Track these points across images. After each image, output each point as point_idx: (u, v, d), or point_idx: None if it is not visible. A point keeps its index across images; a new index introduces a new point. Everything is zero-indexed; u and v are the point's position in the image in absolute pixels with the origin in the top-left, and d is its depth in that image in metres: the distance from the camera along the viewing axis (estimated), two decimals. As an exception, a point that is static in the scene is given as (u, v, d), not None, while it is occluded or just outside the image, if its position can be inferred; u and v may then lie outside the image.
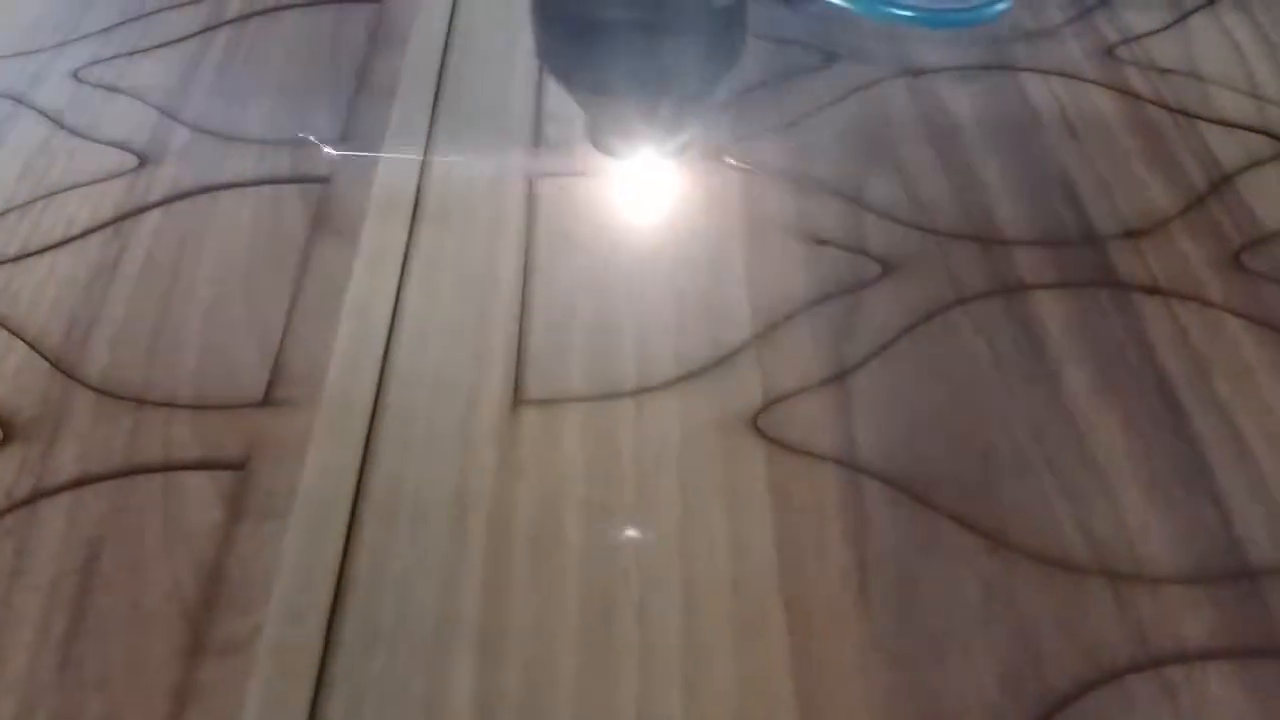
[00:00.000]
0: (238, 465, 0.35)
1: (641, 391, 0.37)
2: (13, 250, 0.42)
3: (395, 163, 0.44)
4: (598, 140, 0.43)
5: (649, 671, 0.30)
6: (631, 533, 0.33)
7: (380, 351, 0.38)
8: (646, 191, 0.43)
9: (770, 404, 0.36)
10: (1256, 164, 0.44)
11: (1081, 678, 0.30)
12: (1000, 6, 0.45)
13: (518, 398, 0.36)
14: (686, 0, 0.38)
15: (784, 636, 0.30)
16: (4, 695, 0.30)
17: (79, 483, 0.34)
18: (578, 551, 0.32)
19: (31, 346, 0.38)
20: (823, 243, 0.41)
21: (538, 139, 0.46)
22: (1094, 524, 0.33)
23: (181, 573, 0.32)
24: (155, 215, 0.43)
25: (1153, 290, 0.39)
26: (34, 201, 0.44)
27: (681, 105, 0.41)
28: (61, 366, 0.38)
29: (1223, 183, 0.43)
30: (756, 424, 0.35)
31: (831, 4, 0.45)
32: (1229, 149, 0.44)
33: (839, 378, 0.36)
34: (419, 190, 0.43)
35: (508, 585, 0.32)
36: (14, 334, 0.39)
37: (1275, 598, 0.31)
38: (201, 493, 0.34)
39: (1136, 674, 0.30)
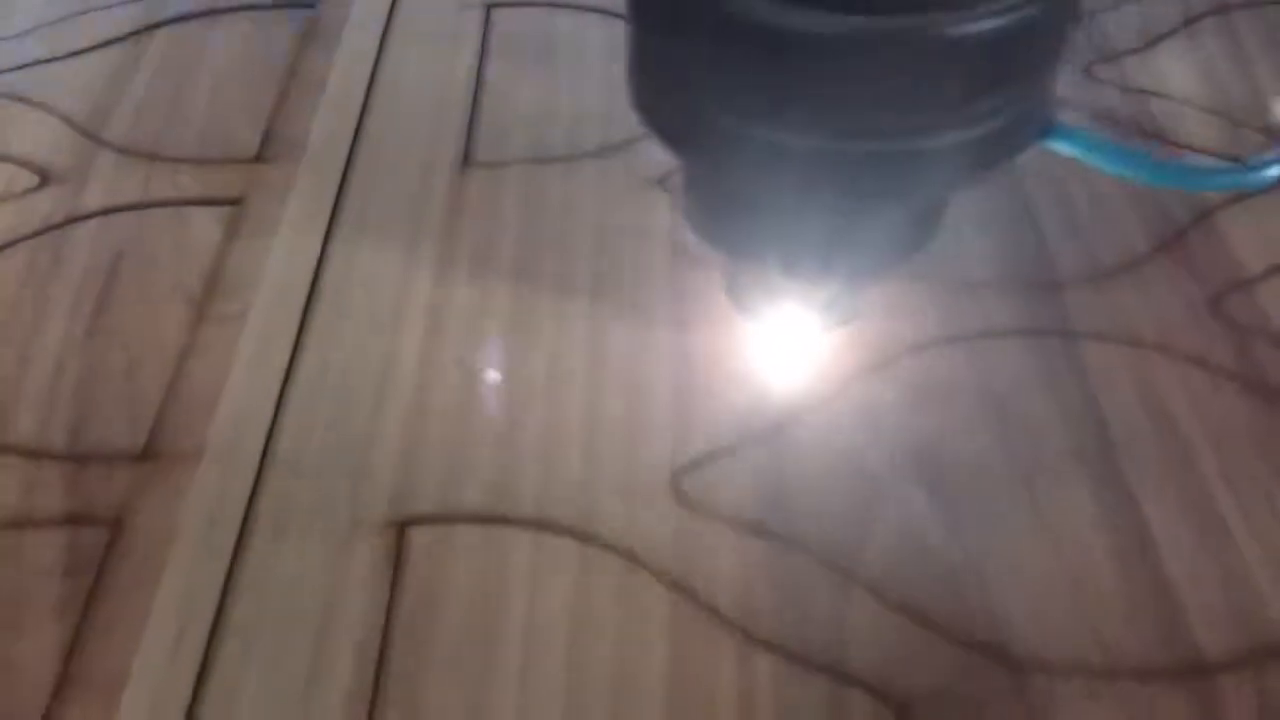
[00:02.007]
0: (234, 201, 0.42)
1: (571, 159, 0.44)
2: (45, 54, 0.50)
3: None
4: (740, 300, 0.37)
5: (551, 444, 0.36)
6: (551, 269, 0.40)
7: (354, 125, 0.45)
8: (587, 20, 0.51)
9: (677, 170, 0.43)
10: None
11: (900, 345, 0.37)
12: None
13: (468, 160, 0.44)
14: (902, 190, 0.30)
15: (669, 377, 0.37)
16: (44, 354, 0.37)
17: (104, 212, 0.42)
18: (510, 271, 0.40)
19: (63, 120, 0.46)
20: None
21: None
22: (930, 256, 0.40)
23: (187, 273, 0.40)
24: (164, 31, 0.51)
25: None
26: (64, 20, 0.51)
27: (846, 285, 0.36)
28: (88, 134, 0.45)
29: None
30: (664, 185, 0.43)
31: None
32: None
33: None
34: (391, 11, 0.51)
35: (451, 288, 0.39)
36: (48, 112, 0.46)
37: (1071, 296, 0.39)
38: (204, 220, 0.42)
39: (946, 345, 0.37)
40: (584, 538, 0.32)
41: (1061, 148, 0.31)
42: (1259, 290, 0.39)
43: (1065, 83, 0.46)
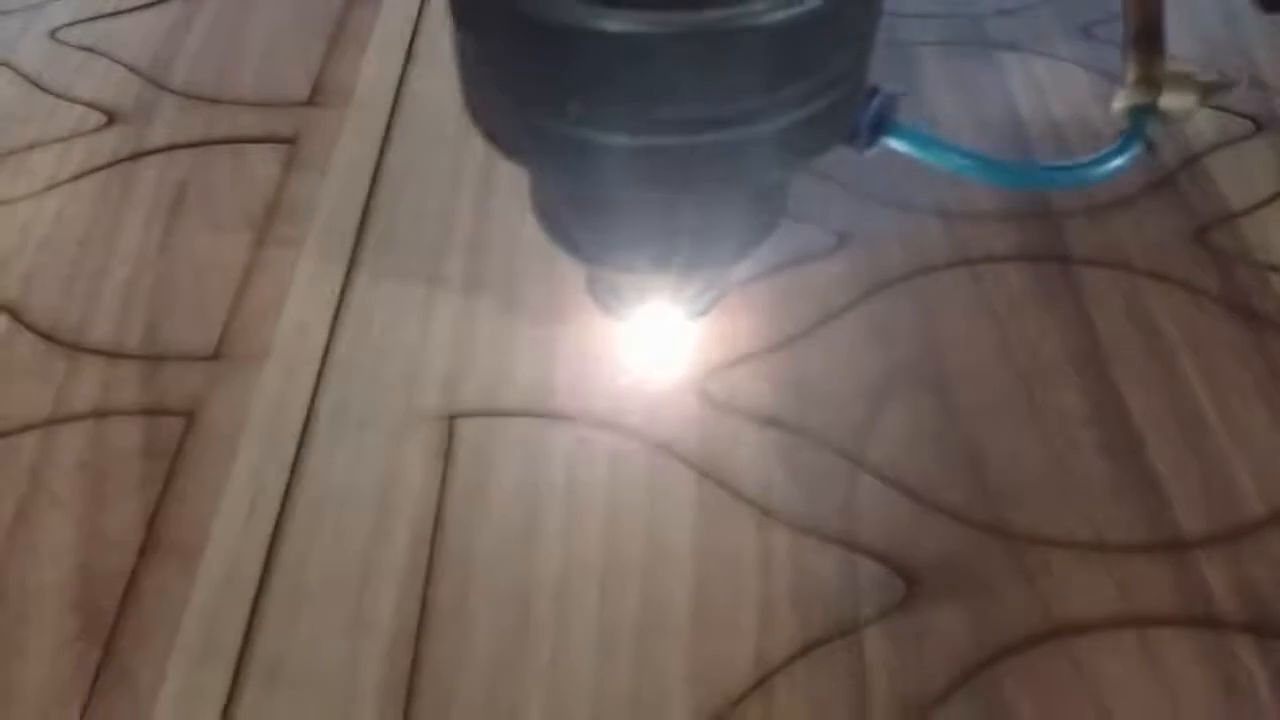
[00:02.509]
0: (290, 140, 0.45)
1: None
2: (106, 9, 0.53)
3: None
4: (602, 299, 0.38)
5: (586, 349, 0.39)
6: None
7: (398, 73, 0.48)
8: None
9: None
10: None
11: (909, 268, 0.40)
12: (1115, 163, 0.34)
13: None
14: (718, 182, 0.30)
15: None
16: (121, 265, 0.41)
17: (169, 148, 0.45)
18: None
19: (127, 68, 0.49)
20: None
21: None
22: (939, 191, 0.43)
23: (248, 203, 0.43)
24: (218, -11, 0.54)
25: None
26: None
27: (703, 278, 0.36)
28: (151, 81, 0.49)
29: None
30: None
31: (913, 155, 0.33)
32: None
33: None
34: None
35: (491, 216, 0.42)
36: (113, 61, 0.50)
37: (1068, 226, 0.42)
38: (263, 156, 0.45)
39: (951, 269, 0.41)
40: (617, 429, 0.35)
41: (900, 146, 0.32)
42: (1242, 224, 0.42)
43: (1066, 43, 0.49)
